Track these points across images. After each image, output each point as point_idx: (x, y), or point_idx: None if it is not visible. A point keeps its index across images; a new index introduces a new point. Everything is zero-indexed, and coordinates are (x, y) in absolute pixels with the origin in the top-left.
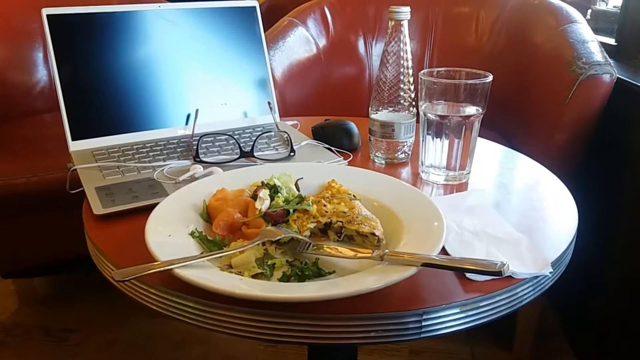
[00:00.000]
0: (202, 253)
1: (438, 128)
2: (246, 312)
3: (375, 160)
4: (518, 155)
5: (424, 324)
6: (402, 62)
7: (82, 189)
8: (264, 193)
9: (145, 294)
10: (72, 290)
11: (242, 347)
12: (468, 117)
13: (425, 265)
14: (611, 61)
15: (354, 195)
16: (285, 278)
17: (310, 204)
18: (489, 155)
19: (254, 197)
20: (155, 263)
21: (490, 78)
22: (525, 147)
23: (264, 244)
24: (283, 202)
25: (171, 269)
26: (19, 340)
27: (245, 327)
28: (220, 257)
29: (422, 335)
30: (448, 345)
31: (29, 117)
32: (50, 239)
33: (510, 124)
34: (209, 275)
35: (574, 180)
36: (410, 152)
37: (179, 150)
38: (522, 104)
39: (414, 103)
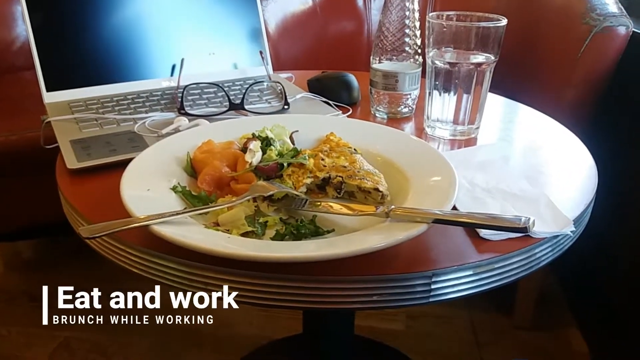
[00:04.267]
0: (185, 209)
1: (446, 78)
2: (235, 275)
3: (377, 114)
4: (529, 110)
5: (433, 287)
6: (407, 4)
7: (57, 144)
8: (255, 145)
9: (122, 255)
10: (57, 254)
11: (235, 312)
12: (479, 65)
13: (436, 221)
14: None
15: (354, 149)
16: (279, 237)
17: (307, 157)
18: (499, 109)
19: (244, 149)
20: (130, 219)
21: (504, 22)
22: (533, 105)
23: (254, 200)
24: (276, 156)
25: (148, 225)
26: (4, 306)
27: (234, 291)
28: (206, 213)
29: (431, 300)
30: (447, 310)
31: (8, 75)
32: (34, 200)
33: (516, 81)
34: (192, 233)
35: (584, 139)
36: (414, 107)
37: (162, 102)
38: (531, 60)
39: (419, 51)
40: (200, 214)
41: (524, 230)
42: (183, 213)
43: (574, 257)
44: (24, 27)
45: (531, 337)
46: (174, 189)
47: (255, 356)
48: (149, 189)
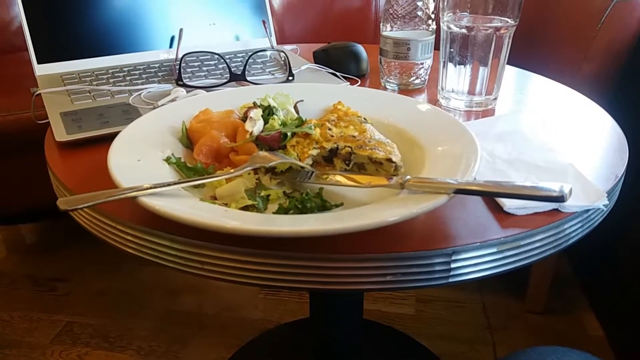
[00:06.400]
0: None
1: (463, 44)
2: (234, 253)
3: (387, 86)
4: (548, 81)
5: (453, 266)
6: None
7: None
8: (256, 113)
9: (113, 233)
10: (60, 237)
11: (240, 296)
12: (498, 29)
13: (458, 192)
14: None
15: (364, 118)
16: (282, 211)
17: (313, 127)
18: (516, 81)
19: (244, 119)
20: (116, 189)
21: None
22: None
23: (256, 172)
24: (279, 125)
25: (136, 196)
26: (6, 290)
27: (233, 271)
28: (202, 186)
29: (451, 280)
30: (457, 294)
31: (6, 54)
32: (34, 182)
33: (531, 55)
34: (186, 206)
35: None
36: (427, 77)
37: (160, 74)
38: (545, 33)
39: (432, 16)
40: (195, 186)
41: (560, 199)
42: (176, 184)
43: (589, 238)
44: None
45: (545, 321)
46: (167, 160)
47: (261, 341)
48: (139, 160)
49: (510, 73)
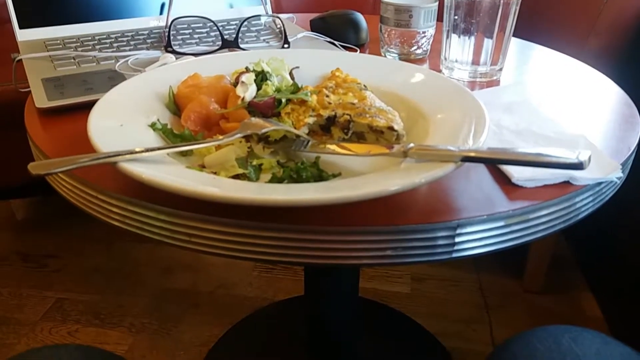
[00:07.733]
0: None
1: (468, 11)
2: (222, 224)
3: (387, 56)
4: (555, 53)
5: (457, 240)
6: None
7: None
8: (248, 78)
9: (96, 204)
10: (52, 213)
11: (234, 273)
12: None
13: (466, 159)
14: None
15: (364, 85)
16: (275, 181)
17: (309, 93)
18: (522, 52)
19: (236, 84)
20: (93, 154)
21: None
22: None
23: (247, 140)
24: (274, 91)
25: (115, 162)
26: None
27: (222, 244)
28: (190, 154)
29: (454, 255)
30: (453, 272)
31: None
32: (26, 157)
33: (534, 30)
34: (170, 173)
35: None
36: (429, 48)
37: (149, 41)
38: (551, 7)
39: None
40: (181, 153)
41: (579, 166)
42: (160, 149)
43: (587, 218)
44: None
45: (542, 301)
46: (152, 126)
47: (255, 318)
48: (122, 125)
49: (516, 45)
